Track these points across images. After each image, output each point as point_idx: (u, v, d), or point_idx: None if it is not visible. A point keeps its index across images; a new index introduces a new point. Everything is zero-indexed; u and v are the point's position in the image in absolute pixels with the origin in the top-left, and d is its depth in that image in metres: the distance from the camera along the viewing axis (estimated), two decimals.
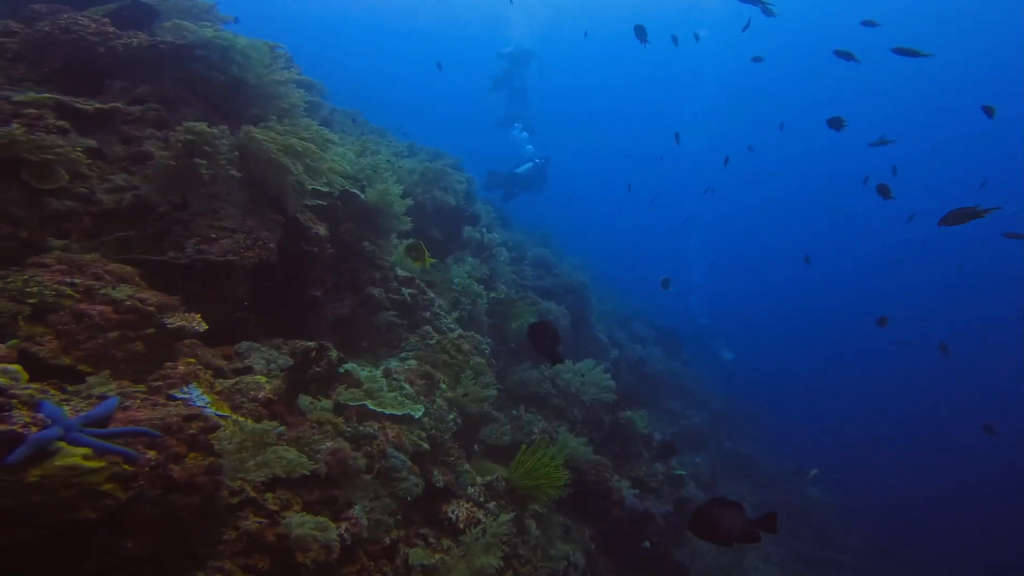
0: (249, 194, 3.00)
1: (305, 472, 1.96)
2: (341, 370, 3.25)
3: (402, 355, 4.35)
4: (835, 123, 5.59)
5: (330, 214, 3.87)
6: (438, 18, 31.34)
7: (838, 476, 12.46)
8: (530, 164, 11.45)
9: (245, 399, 2.17)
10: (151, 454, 1.41)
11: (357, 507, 2.56)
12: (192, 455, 1.59)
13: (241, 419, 2.03)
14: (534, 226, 12.08)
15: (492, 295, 6.19)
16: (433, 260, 4.01)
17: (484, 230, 7.22)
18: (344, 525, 2.47)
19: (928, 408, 19.27)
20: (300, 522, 1.98)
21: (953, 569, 11.11)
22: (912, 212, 10.59)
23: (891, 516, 12.40)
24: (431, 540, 3.33)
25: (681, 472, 6.35)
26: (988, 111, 5.68)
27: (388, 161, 4.78)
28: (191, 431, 1.61)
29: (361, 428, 2.84)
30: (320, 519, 2.04)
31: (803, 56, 25.18)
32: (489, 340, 5.24)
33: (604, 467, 5.19)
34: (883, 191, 4.87)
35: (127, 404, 1.52)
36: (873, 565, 10.09)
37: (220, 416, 1.88)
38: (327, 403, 2.74)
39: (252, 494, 1.92)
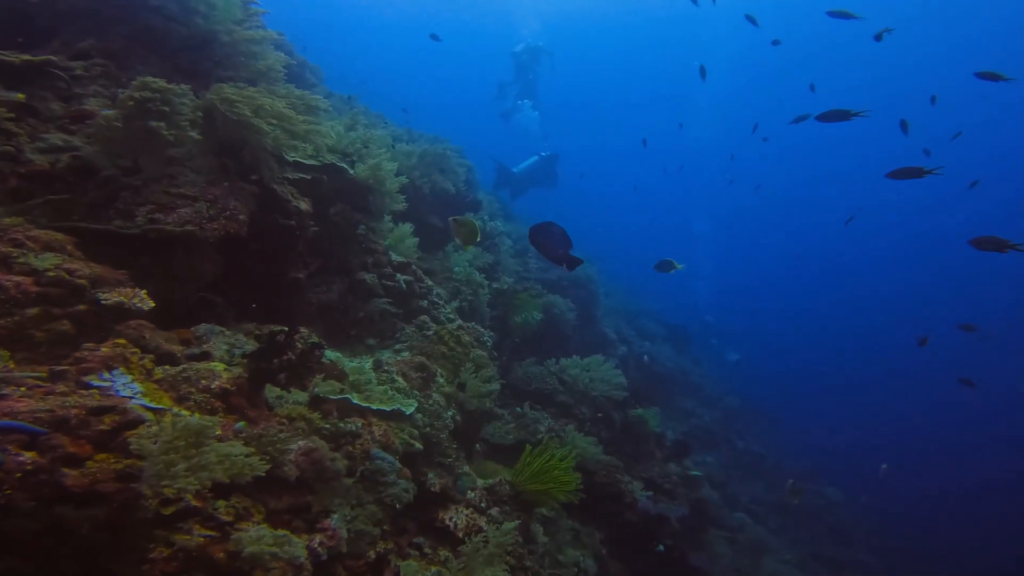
0: (216, 160, 2.65)
1: (258, 474, 1.60)
2: (325, 359, 2.90)
3: (396, 346, 4.00)
4: (840, 115, 4.58)
5: (316, 190, 3.51)
6: (447, 7, 30.82)
7: (855, 474, 12.09)
8: (535, 158, 10.99)
9: (194, 390, 1.81)
10: (28, 455, 1.06)
11: (335, 516, 2.21)
12: (101, 456, 1.24)
13: (186, 413, 1.67)
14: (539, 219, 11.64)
15: (495, 285, 5.82)
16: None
17: (486, 218, 6.85)
18: (319, 537, 2.12)
19: (947, 405, 18.76)
20: (256, 537, 1.62)
21: (973, 567, 10.74)
22: (974, 181, 9.94)
23: (910, 515, 12.05)
24: (427, 551, 2.97)
25: (697, 472, 5.98)
26: (991, 76, 5.15)
27: (381, 138, 4.42)
28: (100, 427, 1.26)
29: (342, 425, 2.48)
30: (281, 532, 1.68)
31: (818, 37, 24.46)
32: (491, 333, 4.88)
33: (615, 468, 4.88)
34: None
35: (5, 392, 1.17)
36: (892, 565, 9.76)
37: (154, 409, 1.53)
38: (301, 396, 2.38)
39: (195, 503, 1.56)
